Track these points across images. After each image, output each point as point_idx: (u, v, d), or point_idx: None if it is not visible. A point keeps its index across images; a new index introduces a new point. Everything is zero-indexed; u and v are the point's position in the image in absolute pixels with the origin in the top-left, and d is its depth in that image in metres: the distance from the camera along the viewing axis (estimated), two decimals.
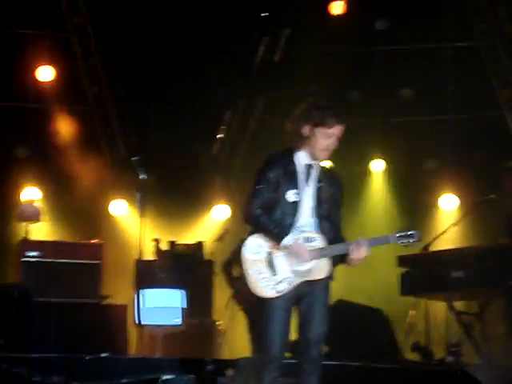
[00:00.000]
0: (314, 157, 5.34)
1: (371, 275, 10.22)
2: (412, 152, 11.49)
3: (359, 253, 5.21)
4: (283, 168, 5.29)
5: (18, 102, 11.48)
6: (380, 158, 11.79)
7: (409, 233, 5.27)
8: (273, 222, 5.23)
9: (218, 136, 12.25)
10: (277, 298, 5.18)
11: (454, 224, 9.14)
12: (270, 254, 5.24)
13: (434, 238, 8.92)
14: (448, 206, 11.47)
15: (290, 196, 5.27)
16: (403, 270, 8.85)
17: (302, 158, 5.35)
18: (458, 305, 8.95)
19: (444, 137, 11.36)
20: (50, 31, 11.50)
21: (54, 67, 11.56)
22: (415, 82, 11.41)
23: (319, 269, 5.26)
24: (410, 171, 11.49)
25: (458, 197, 11.30)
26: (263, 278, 5.19)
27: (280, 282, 5.19)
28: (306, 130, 5.31)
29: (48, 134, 11.47)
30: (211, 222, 11.80)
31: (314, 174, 5.37)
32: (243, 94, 12.09)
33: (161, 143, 11.38)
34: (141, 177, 8.01)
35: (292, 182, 5.29)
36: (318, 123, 5.27)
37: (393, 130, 11.50)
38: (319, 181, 5.36)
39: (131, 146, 11.67)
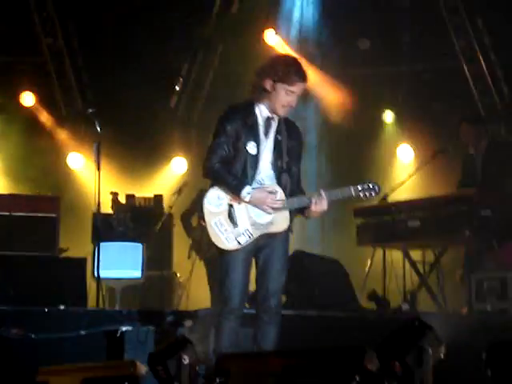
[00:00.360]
0: (273, 111, 5.34)
1: (326, 226, 10.32)
2: (370, 103, 11.50)
3: (320, 206, 5.26)
4: (242, 120, 5.30)
5: None
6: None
7: (370, 185, 5.31)
8: (232, 175, 5.23)
9: (175, 88, 12.17)
10: (237, 249, 5.21)
11: (411, 175, 9.20)
12: (230, 206, 5.26)
13: (392, 190, 9.00)
14: (405, 157, 11.54)
15: (250, 148, 5.28)
16: (359, 221, 8.93)
17: (262, 111, 5.35)
18: (415, 254, 9.06)
19: (402, 87, 11.39)
20: None
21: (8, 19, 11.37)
22: (373, 32, 11.37)
23: (279, 221, 5.30)
24: (368, 122, 11.51)
25: (415, 148, 11.36)
26: (225, 230, 5.23)
27: (241, 234, 5.23)
28: (268, 84, 5.31)
29: (5, 87, 11.30)
30: (170, 175, 11.77)
31: (274, 126, 5.37)
32: (200, 45, 11.99)
33: (118, 95, 11.27)
34: (97, 129, 7.92)
35: (252, 134, 5.30)
36: (281, 79, 5.27)
37: (352, 80, 11.49)
38: (279, 133, 5.37)
39: (87, 99, 11.56)
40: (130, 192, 10.68)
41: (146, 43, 11.10)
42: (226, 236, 5.24)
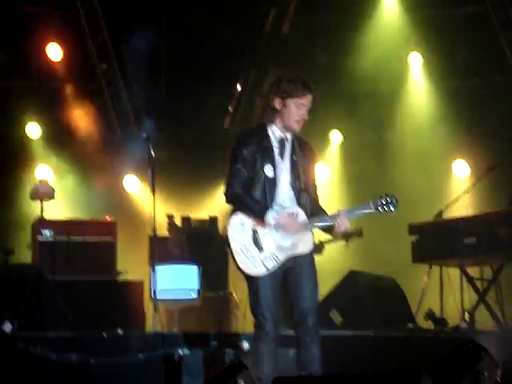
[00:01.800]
0: (287, 129, 5.37)
1: (383, 244, 10.26)
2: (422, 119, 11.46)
3: (343, 225, 5.27)
4: (257, 144, 5.31)
5: (30, 81, 11.54)
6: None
7: (388, 199, 5.29)
8: (254, 200, 5.25)
9: (229, 108, 12.26)
10: (265, 274, 5.23)
11: (466, 191, 9.13)
12: (254, 231, 5.27)
13: (447, 206, 8.94)
14: (461, 172, 11.43)
15: (267, 171, 5.30)
16: (415, 237, 8.87)
17: (275, 132, 5.37)
18: (472, 271, 8.97)
19: (456, 102, 11.32)
20: (59, 9, 11.53)
21: (63, 45, 11.60)
22: (425, 46, 11.35)
23: (303, 243, 5.30)
24: (422, 137, 11.44)
25: (471, 163, 11.25)
26: (251, 256, 5.23)
27: (267, 258, 5.23)
28: (277, 102, 5.33)
29: (60, 113, 11.52)
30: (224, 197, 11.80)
31: (288, 147, 5.39)
32: (252, 66, 12.07)
33: (172, 118, 11.40)
34: (151, 153, 8.01)
35: (267, 156, 5.31)
36: (290, 94, 5.29)
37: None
38: (294, 153, 5.39)
39: (142, 122, 11.70)
40: (186, 214, 10.78)
41: (198, 66, 11.22)
42: (253, 262, 5.23)
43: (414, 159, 11.29)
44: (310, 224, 5.31)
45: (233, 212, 5.33)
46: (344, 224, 5.27)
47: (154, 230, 7.96)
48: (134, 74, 11.73)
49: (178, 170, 11.09)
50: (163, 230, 10.03)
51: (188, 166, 11.42)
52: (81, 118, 11.68)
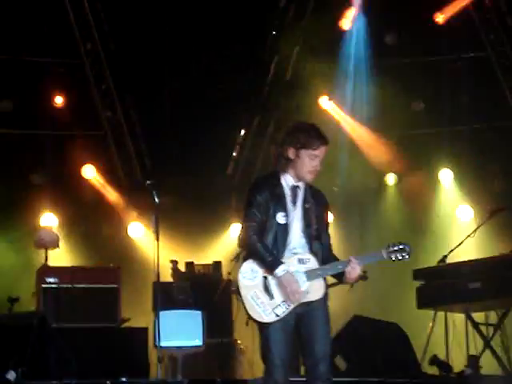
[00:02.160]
0: (300, 179, 5.40)
1: (387, 289, 10.24)
2: (425, 163, 11.51)
3: (354, 272, 5.27)
4: (270, 191, 5.33)
5: (34, 129, 11.63)
6: (392, 171, 11.87)
7: (401, 246, 5.31)
8: (267, 250, 5.26)
9: (232, 154, 12.33)
10: (276, 321, 5.22)
11: (469, 235, 9.12)
12: (265, 278, 5.28)
13: (451, 251, 8.93)
14: (465, 217, 11.45)
15: (280, 218, 5.31)
16: (419, 283, 8.85)
17: (288, 180, 5.41)
18: (477, 316, 8.93)
19: (458, 147, 11.38)
20: (64, 59, 11.67)
21: (68, 93, 11.71)
22: (426, 93, 11.45)
23: (315, 290, 5.29)
24: (424, 183, 11.50)
25: (474, 207, 11.28)
26: (261, 303, 5.22)
27: (278, 305, 5.22)
28: (291, 152, 5.37)
29: (64, 161, 11.59)
30: (228, 242, 11.84)
31: (300, 194, 5.42)
32: (257, 111, 12.17)
33: (175, 165, 11.46)
34: (156, 200, 8.04)
35: (280, 204, 5.32)
36: (304, 145, 5.34)
37: (404, 142, 11.53)
38: (306, 201, 5.42)
39: (146, 168, 11.77)
40: (189, 259, 10.78)
41: (200, 112, 11.31)
42: (264, 309, 5.22)
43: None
44: (321, 270, 5.32)
45: (244, 259, 5.35)
46: (355, 271, 5.27)
47: (158, 275, 7.96)
48: (138, 121, 11.84)
49: (181, 215, 11.12)
50: (167, 276, 10.03)
51: (191, 212, 11.44)
52: (86, 165, 11.77)
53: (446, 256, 8.80)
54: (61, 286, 9.20)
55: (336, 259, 5.40)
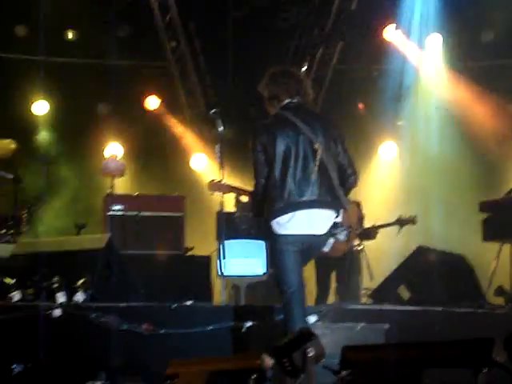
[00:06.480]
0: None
1: (452, 221, 10.15)
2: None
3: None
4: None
5: (99, 59, 11.68)
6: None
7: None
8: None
9: None
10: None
11: None
12: None
13: None
14: None
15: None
16: (485, 215, 8.73)
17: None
18: None
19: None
20: None
21: (131, 23, 11.70)
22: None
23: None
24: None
25: None
26: None
27: None
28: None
29: (128, 91, 11.64)
30: None
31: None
32: (320, 42, 12.01)
33: (238, 95, 11.42)
34: (219, 130, 8.04)
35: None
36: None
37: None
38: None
39: (209, 100, 11.75)
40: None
41: (265, 43, 11.21)
42: None
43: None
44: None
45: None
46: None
47: (221, 205, 8.00)
48: (202, 51, 11.79)
49: (245, 145, 11.09)
50: (231, 207, 10.07)
51: None
52: (151, 96, 11.81)
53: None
54: (126, 213, 9.32)
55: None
